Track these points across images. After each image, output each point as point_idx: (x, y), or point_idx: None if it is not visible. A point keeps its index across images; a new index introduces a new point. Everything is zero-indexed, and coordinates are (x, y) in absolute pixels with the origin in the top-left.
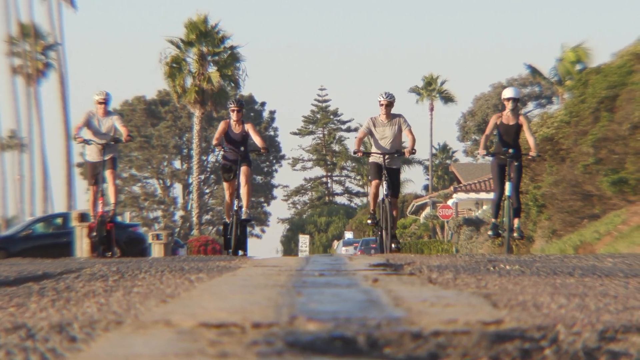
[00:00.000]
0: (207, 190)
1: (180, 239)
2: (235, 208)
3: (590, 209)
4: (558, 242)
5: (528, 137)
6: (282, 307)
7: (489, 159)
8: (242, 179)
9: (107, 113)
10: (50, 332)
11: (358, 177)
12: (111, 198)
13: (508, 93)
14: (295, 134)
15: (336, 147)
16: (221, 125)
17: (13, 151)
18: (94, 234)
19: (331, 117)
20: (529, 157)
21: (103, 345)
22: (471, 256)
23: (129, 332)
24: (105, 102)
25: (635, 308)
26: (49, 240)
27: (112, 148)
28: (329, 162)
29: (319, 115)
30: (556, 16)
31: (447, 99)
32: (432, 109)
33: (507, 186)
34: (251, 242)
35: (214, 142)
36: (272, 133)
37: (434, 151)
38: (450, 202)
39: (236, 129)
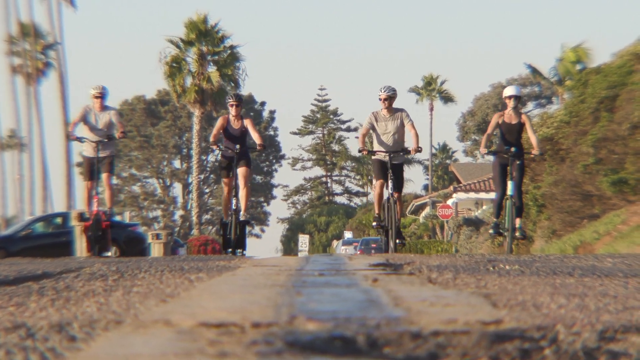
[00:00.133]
0: (207, 190)
1: (180, 238)
2: (233, 207)
3: (590, 209)
4: (558, 242)
5: (530, 136)
6: (281, 307)
7: (490, 158)
8: (241, 182)
9: (104, 108)
10: (50, 331)
11: (358, 177)
12: (107, 202)
13: (509, 91)
14: (295, 133)
15: (336, 147)
16: (219, 121)
17: (13, 151)
18: (90, 233)
19: (331, 116)
20: (532, 155)
21: (103, 344)
22: (471, 256)
23: (128, 332)
24: (101, 96)
25: (634, 308)
26: (48, 240)
27: (108, 144)
28: (328, 162)
29: (318, 115)
30: (556, 16)
31: (447, 99)
32: (431, 109)
33: (509, 185)
34: (251, 242)
35: (211, 139)
36: (272, 133)
37: (433, 151)
38: (450, 202)
39: (235, 124)
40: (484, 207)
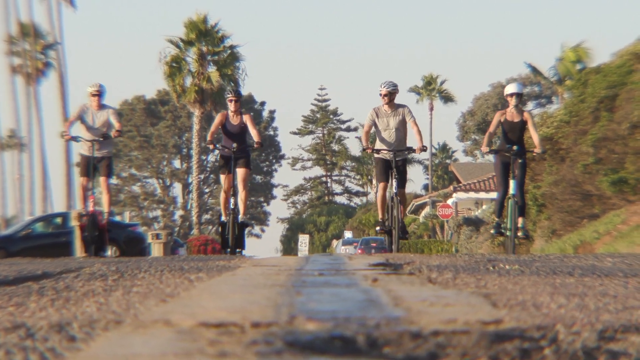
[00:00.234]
0: (207, 190)
1: (179, 238)
2: (232, 206)
3: (590, 209)
4: (558, 241)
5: (533, 134)
6: (281, 307)
7: (490, 157)
8: (240, 185)
9: (102, 106)
10: (50, 331)
11: (358, 177)
12: (105, 207)
13: (511, 89)
14: (295, 133)
15: (336, 147)
16: (218, 118)
17: (12, 151)
18: (85, 233)
19: (331, 116)
20: (534, 154)
21: (102, 344)
22: (471, 256)
23: (128, 332)
24: (99, 94)
25: (634, 308)
26: (48, 240)
27: (104, 143)
28: (328, 162)
29: (318, 115)
30: (556, 16)
31: (447, 98)
32: (431, 109)
33: (511, 184)
34: (250, 242)
35: (208, 137)
36: (271, 132)
37: (433, 151)
38: (449, 202)
39: (234, 120)
40: (484, 206)
